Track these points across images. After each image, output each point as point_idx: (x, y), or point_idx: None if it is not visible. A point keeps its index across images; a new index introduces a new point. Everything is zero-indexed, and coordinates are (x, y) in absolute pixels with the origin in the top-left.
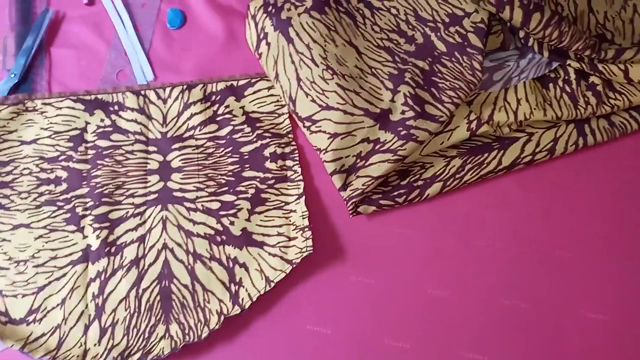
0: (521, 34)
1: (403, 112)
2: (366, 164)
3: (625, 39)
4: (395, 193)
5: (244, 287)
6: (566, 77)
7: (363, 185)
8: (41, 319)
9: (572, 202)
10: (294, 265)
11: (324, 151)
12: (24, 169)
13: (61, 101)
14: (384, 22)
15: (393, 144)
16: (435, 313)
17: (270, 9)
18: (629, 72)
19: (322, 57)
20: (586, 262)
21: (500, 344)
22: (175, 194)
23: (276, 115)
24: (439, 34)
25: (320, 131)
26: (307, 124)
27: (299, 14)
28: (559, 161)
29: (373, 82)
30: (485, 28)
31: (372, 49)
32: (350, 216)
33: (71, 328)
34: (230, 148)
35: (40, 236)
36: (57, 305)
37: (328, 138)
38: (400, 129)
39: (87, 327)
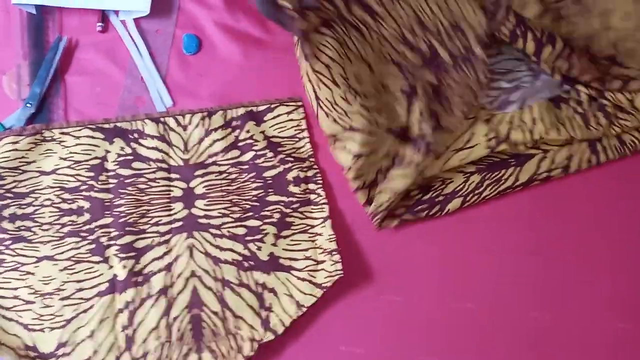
0: (533, 58)
1: (420, 128)
2: (387, 178)
3: (635, 62)
4: (418, 208)
5: (274, 312)
6: (577, 98)
7: (387, 200)
8: (70, 352)
9: (592, 216)
10: (324, 290)
11: (347, 169)
12: (45, 199)
13: (79, 130)
14: (390, 32)
15: (412, 158)
16: (467, 327)
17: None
18: (634, 102)
19: (343, 77)
20: (608, 274)
21: (530, 357)
22: (200, 220)
23: (297, 139)
24: (443, 44)
25: (344, 149)
26: (330, 140)
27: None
28: (577, 177)
29: (388, 99)
30: (487, 40)
31: (382, 64)
32: (377, 230)
33: None
34: (254, 173)
35: (65, 268)
36: (87, 337)
37: (352, 157)
38: (419, 143)
39: (118, 359)
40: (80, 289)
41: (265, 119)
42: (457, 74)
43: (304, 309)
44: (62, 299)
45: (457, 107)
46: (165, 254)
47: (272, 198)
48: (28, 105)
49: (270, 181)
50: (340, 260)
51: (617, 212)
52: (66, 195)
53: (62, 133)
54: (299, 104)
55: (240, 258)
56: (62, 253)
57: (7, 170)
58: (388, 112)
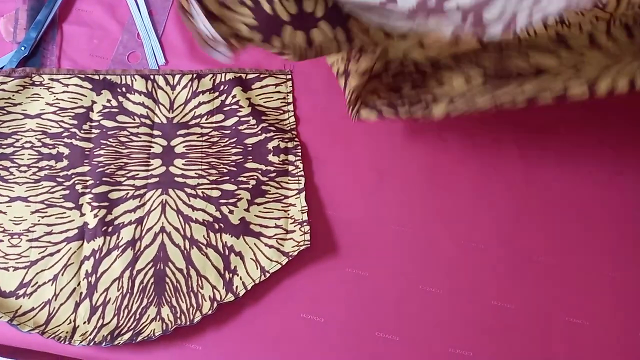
0: None
1: None
2: (357, 62)
3: None
4: (399, 101)
5: (238, 275)
6: None
7: (355, 84)
8: (31, 294)
9: (563, 209)
10: (290, 258)
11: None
12: (26, 142)
13: (69, 78)
14: None
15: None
16: (426, 308)
17: None
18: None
19: None
20: (571, 269)
21: (486, 342)
22: (176, 179)
23: (281, 112)
24: None
25: None
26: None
27: None
28: (551, 167)
29: None
30: None
31: None
32: (353, 120)
33: (61, 304)
34: (235, 139)
35: (37, 210)
36: (49, 280)
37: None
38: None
39: (77, 305)
40: (50, 233)
41: (252, 87)
42: None
43: (267, 275)
44: (30, 240)
45: None
46: (138, 207)
47: (250, 165)
48: (22, 48)
49: (250, 148)
50: (309, 232)
51: (591, 205)
52: (47, 140)
53: (52, 79)
54: (288, 77)
55: (211, 219)
56: (36, 196)
57: None
58: None
